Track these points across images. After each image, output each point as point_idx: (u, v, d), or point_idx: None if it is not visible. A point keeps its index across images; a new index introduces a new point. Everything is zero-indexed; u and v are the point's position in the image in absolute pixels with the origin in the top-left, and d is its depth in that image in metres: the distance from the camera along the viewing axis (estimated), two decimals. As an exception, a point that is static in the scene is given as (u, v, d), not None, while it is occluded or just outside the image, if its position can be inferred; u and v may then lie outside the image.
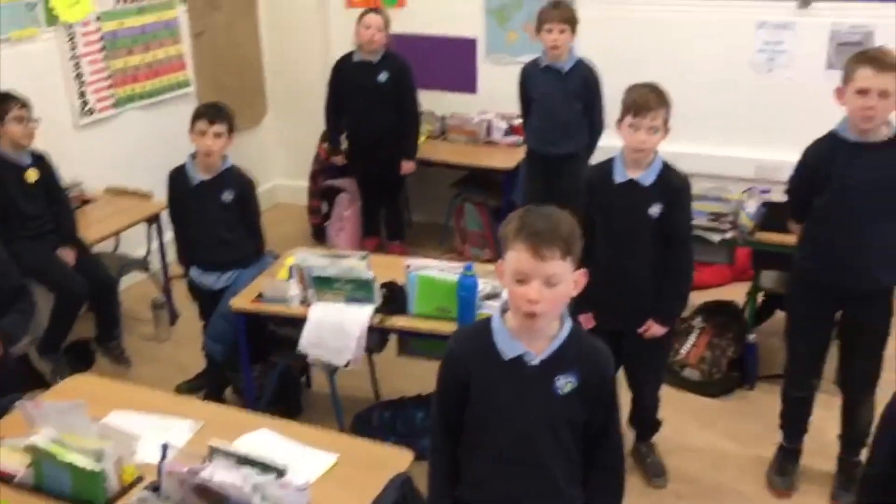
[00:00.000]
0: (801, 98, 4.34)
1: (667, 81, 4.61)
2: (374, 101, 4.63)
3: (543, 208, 1.81)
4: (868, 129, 2.67)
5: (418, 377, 3.44)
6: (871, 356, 2.91)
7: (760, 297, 4.03)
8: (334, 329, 3.04)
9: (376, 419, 3.43)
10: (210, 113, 3.48)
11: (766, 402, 3.47)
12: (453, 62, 5.25)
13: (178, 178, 3.59)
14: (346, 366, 3.08)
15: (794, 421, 3.14)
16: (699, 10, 4.61)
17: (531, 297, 1.76)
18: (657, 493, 3.14)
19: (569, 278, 1.79)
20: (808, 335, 3.00)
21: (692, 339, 3.84)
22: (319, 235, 5.31)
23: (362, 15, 4.59)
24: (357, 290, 3.06)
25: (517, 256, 1.77)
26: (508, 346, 1.87)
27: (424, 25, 5.22)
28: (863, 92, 2.61)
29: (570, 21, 4.15)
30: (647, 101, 2.77)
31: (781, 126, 4.41)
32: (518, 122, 4.74)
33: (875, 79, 2.59)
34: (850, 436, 3.02)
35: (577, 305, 2.99)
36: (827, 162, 2.78)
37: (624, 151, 2.88)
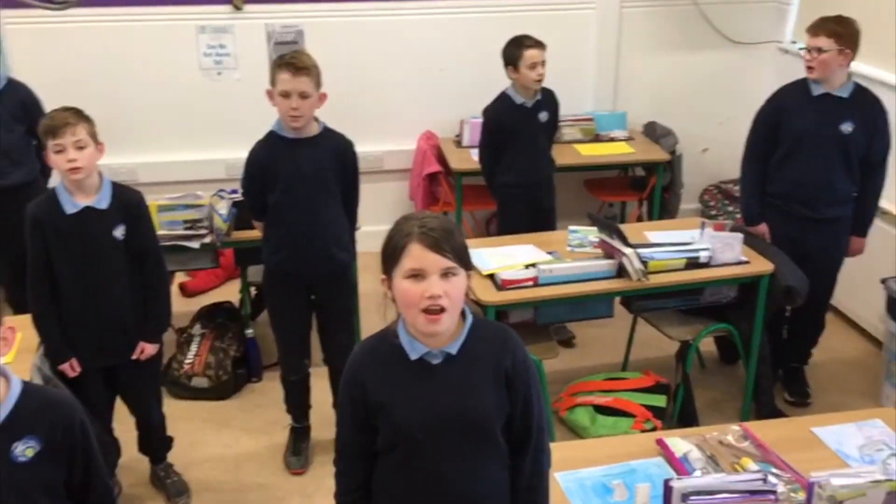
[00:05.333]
0: (254, 96, 4.48)
1: (118, 94, 4.56)
2: None
3: None
4: (298, 127, 2.92)
5: None
6: (345, 330, 3.24)
7: (253, 291, 4.19)
8: None
9: None
10: None
11: (274, 389, 3.61)
12: None
13: None
14: None
15: (297, 403, 3.35)
16: (139, 18, 4.52)
17: None
18: (183, 512, 3.10)
19: None
20: (289, 323, 3.21)
21: (194, 347, 3.84)
22: None
23: None
24: None
25: None
26: None
27: None
28: (285, 94, 2.84)
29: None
30: (61, 120, 2.62)
31: (243, 124, 4.51)
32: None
33: (294, 82, 2.84)
34: None
35: (56, 354, 2.78)
36: (272, 160, 2.98)
37: (63, 180, 2.70)
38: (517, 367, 1.79)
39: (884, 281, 3.58)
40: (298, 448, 3.33)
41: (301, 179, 2.97)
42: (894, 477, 1.93)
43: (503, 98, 3.92)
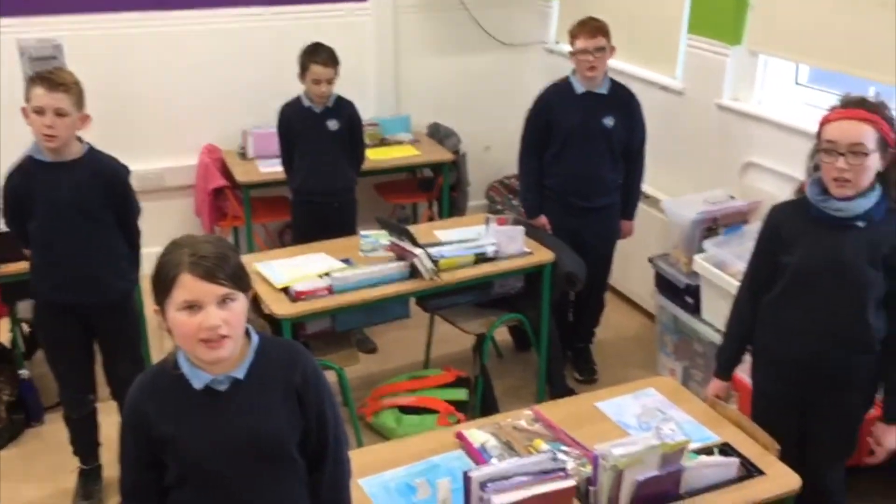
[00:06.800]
0: (9, 117, 4.07)
1: None
2: None
3: None
4: (53, 147, 2.73)
5: None
6: (130, 360, 3.04)
7: (26, 328, 3.86)
8: None
9: None
10: None
11: (58, 431, 3.34)
12: None
13: None
14: None
15: (84, 442, 3.13)
16: None
17: None
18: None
19: None
20: (67, 358, 2.99)
21: (-40, 396, 3.47)
22: None
23: None
24: None
25: None
26: None
27: None
28: (39, 111, 2.65)
29: None
30: None
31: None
32: None
33: (49, 97, 2.65)
34: None
35: None
36: (28, 186, 2.78)
37: None
38: (307, 382, 1.77)
39: (651, 259, 3.90)
40: (89, 491, 3.11)
41: (61, 206, 2.77)
42: (667, 440, 2.10)
43: (296, 99, 3.94)
